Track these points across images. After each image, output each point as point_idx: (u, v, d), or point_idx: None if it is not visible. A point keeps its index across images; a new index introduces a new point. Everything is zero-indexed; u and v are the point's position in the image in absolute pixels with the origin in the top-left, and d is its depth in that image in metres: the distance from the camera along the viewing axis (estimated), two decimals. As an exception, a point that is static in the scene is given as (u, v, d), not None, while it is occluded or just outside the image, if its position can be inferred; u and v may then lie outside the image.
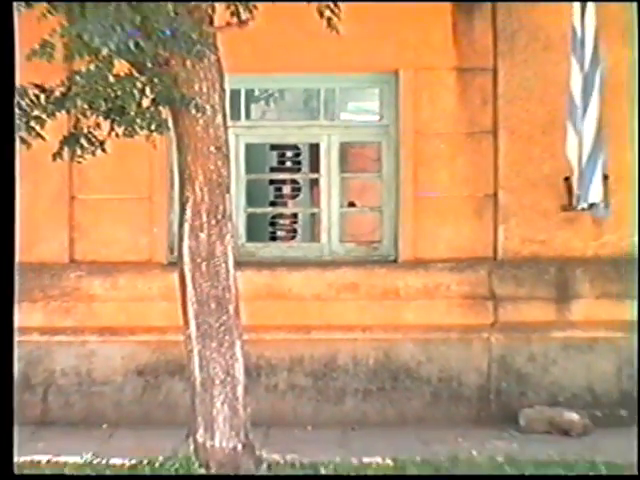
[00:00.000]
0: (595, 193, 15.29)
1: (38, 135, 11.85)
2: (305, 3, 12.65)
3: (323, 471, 13.12)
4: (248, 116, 16.41)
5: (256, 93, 16.34)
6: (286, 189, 17.07)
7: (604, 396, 16.02)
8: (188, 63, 12.02)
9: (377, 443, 14.40)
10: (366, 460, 13.54)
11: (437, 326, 15.94)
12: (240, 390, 12.86)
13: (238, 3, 12.61)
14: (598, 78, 15.28)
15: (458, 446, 14.32)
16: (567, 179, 15.65)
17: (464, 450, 14.00)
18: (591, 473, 13.12)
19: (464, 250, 16.23)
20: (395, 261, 16.39)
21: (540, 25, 16.01)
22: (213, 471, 12.67)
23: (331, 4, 12.79)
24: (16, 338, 16.00)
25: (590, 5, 15.37)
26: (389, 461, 13.43)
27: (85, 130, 12.19)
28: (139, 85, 11.93)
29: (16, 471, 8.01)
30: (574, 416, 15.46)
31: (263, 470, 12.99)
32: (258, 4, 12.68)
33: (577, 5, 15.31)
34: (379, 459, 13.56)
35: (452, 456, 13.65)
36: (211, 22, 12.45)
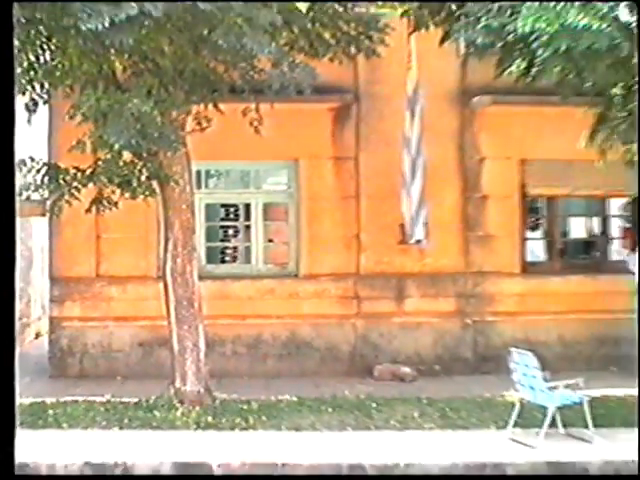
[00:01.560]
0: (419, 233, 15.43)
1: (76, 198, 12.47)
2: (239, 118, 12.93)
3: (255, 405, 13.22)
4: (207, 186, 16.63)
5: (211, 172, 16.51)
6: (230, 231, 17.40)
7: (426, 357, 16.22)
8: (169, 154, 12.55)
9: (287, 387, 14.45)
10: (280, 397, 13.78)
11: (323, 315, 16.24)
12: (202, 355, 13.32)
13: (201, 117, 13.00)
14: (421, 163, 15.38)
15: (337, 389, 14.39)
16: (402, 225, 15.70)
17: (340, 391, 14.20)
18: (429, 408, 13.20)
19: (340, 268, 16.33)
20: (297, 275, 16.59)
21: (384, 131, 16.05)
22: (185, 405, 12.94)
23: (254, 114, 13.00)
24: (52, 325, 16.10)
25: (417, 118, 15.46)
26: (295, 398, 13.70)
27: (105, 195, 12.88)
28: (138, 167, 12.61)
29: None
30: (407, 370, 15.67)
31: (217, 403, 13.26)
32: (214, 117, 13.01)
33: (408, 116, 15.42)
34: (288, 397, 13.79)
35: (332, 395, 13.95)
36: (183, 128, 12.70)
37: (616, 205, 18.30)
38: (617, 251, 18.16)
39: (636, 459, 9.83)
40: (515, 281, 16.91)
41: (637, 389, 11.88)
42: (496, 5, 11.43)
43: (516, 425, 11.93)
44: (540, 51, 11.21)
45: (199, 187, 15.81)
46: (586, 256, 18.29)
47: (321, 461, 10.91)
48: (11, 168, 5.73)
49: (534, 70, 12.39)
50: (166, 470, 10.32)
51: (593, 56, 11.22)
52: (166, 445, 11.01)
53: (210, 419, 12.64)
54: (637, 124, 13.62)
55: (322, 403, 13.52)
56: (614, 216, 18.28)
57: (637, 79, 12.64)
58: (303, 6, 12.90)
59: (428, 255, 16.46)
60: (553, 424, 11.69)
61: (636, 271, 16.10)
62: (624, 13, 10.86)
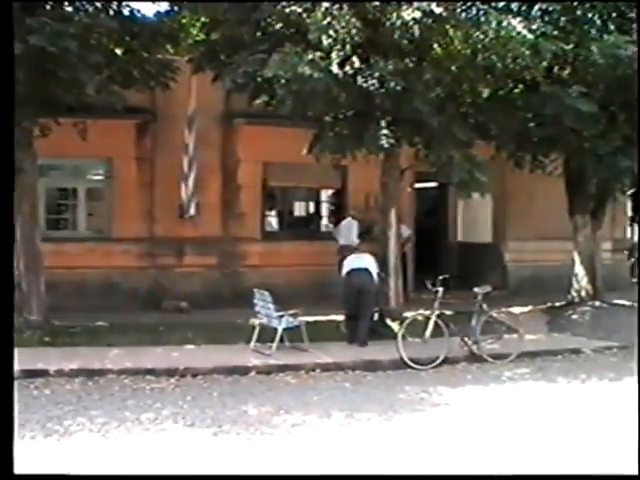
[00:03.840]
0: (193, 211, 16.46)
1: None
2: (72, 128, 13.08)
3: (79, 329, 13.32)
4: (48, 175, 16.18)
5: (51, 165, 16.19)
6: (63, 207, 17.30)
7: (198, 296, 16.41)
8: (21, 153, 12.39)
9: (103, 317, 14.46)
10: (98, 324, 14.00)
11: (128, 267, 16.51)
12: (43, 294, 13.56)
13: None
14: (195, 163, 16.34)
15: (137, 317, 14.78)
16: (181, 205, 16.45)
17: (139, 319, 14.59)
18: (199, 330, 13.55)
19: (140, 234, 16.71)
20: (110, 239, 16.73)
21: (172, 140, 16.43)
22: (31, 330, 12.77)
23: (82, 126, 13.33)
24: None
25: (193, 131, 16.26)
26: (108, 324, 14.03)
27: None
28: None
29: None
30: (185, 304, 16.30)
31: (53, 328, 13.21)
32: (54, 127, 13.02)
33: (187, 130, 16.24)
34: (103, 323, 14.10)
35: (135, 322, 14.23)
36: (31, 134, 12.96)
37: (326, 194, 19.52)
38: (325, 225, 19.33)
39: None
40: (258, 244, 17.80)
41: (637, 382, 10.79)
42: (251, 58, 12.26)
43: (257, 341, 12.57)
44: (279, 90, 12.17)
45: (42, 175, 15.10)
46: (305, 228, 18.99)
47: (125, 366, 11.14)
48: (11, 168, 6.30)
49: (275, 102, 13.45)
50: (16, 374, 8.75)
51: (313, 96, 12.08)
52: (16, 359, 10.53)
53: (48, 339, 12.70)
54: (638, 127, 14.29)
55: (127, 327, 13.63)
56: (324, 202, 19.53)
57: (637, 77, 13.30)
58: (119, 50, 13.55)
59: (199, 226, 16.93)
60: (282, 340, 12.46)
61: (338, 238, 17.43)
62: (335, 66, 11.89)
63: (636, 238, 24.29)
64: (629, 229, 25.75)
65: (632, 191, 21.02)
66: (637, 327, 13.59)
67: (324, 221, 19.52)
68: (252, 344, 12.63)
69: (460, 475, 7.19)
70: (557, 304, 17.45)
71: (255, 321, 13.12)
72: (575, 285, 17.47)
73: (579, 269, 17.44)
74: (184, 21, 15.42)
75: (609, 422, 9.14)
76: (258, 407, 9.50)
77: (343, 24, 11.69)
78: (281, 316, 12.55)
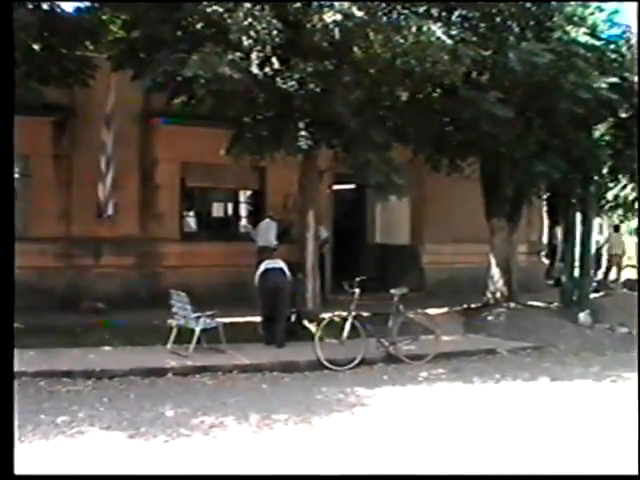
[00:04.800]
0: (110, 210, 16.27)
1: None
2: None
3: None
4: None
5: None
6: None
7: (115, 297, 16.18)
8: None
9: (19, 319, 13.28)
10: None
11: (45, 267, 16.06)
12: None
13: None
14: (113, 162, 16.14)
15: (54, 319, 14.29)
16: (99, 204, 16.25)
17: (56, 321, 14.14)
18: (117, 331, 13.50)
19: (57, 233, 16.37)
20: (26, 238, 14.17)
21: (90, 138, 16.15)
22: None
23: None
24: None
25: (112, 130, 16.02)
26: (22, 326, 12.75)
27: None
28: None
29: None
30: (102, 305, 15.92)
31: None
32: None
33: (105, 129, 16.03)
34: (18, 325, 12.12)
35: (52, 323, 13.79)
36: None
37: (245, 195, 19.52)
38: (244, 226, 19.26)
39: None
40: (176, 245, 17.70)
41: (637, 380, 11.03)
42: (171, 57, 12.12)
43: (174, 342, 12.57)
44: (199, 90, 12.19)
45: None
46: (224, 229, 18.91)
47: (41, 369, 11.02)
48: (11, 167, 6.29)
49: (194, 102, 13.50)
50: None
51: (232, 96, 12.21)
52: None
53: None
54: (638, 129, 14.57)
55: (43, 329, 13.33)
56: (243, 202, 19.51)
57: (637, 78, 13.49)
58: (37, 46, 13.28)
59: (117, 226, 16.73)
60: (199, 342, 12.44)
61: (257, 239, 17.35)
62: (255, 67, 11.91)
63: (558, 241, 24.69)
64: (546, 232, 26.42)
65: (547, 195, 21.54)
66: (637, 327, 14.22)
67: (243, 222, 19.51)
68: (169, 345, 12.63)
69: (460, 475, 7.30)
70: (473, 306, 17.73)
71: (172, 322, 13.06)
72: (491, 287, 17.80)
73: (495, 271, 17.78)
74: (104, 18, 15.18)
75: (522, 420, 9.39)
76: (175, 409, 9.51)
77: (264, 25, 11.70)
78: (198, 317, 12.56)
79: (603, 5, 16.71)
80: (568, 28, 15.22)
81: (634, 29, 15.99)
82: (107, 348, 12.79)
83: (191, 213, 19.14)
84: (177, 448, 7.96)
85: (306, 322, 14.18)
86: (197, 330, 12.48)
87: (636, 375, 11.44)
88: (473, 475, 7.30)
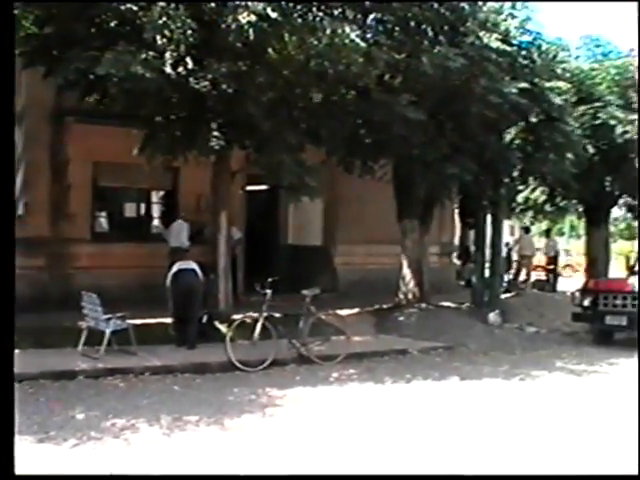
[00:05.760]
0: (21, 210, 15.83)
1: None
2: None
3: None
4: None
5: None
6: None
7: (24, 299, 15.73)
8: None
9: None
10: None
11: None
12: None
13: None
14: (23, 162, 15.81)
15: None
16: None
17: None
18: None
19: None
20: None
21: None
22: None
23: None
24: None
25: (23, 129, 15.67)
26: None
27: None
28: None
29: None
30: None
31: None
32: None
33: (17, 128, 14.97)
34: None
35: None
36: None
37: (157, 195, 19.50)
38: (156, 227, 19.21)
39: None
40: (88, 245, 17.48)
41: (637, 380, 10.92)
42: (84, 54, 11.99)
43: (85, 345, 12.53)
44: (111, 88, 12.16)
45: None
46: (136, 229, 18.73)
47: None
48: (11, 167, 6.31)
49: (106, 101, 13.35)
50: None
51: (145, 95, 12.14)
52: None
53: None
54: (638, 131, 14.49)
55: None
56: (155, 203, 19.50)
57: (637, 81, 13.64)
58: None
59: (27, 226, 15.90)
60: (110, 344, 12.41)
61: (169, 240, 17.41)
62: (168, 67, 11.80)
63: (470, 242, 25.10)
64: (458, 234, 26.92)
65: (459, 197, 21.94)
66: (637, 328, 14.34)
67: (155, 222, 19.48)
68: (80, 348, 12.56)
69: (460, 475, 7.32)
70: (385, 306, 17.96)
71: (83, 324, 12.98)
72: (403, 288, 18.09)
73: (407, 272, 18.08)
74: (16, 12, 14.83)
75: (431, 419, 9.56)
76: (86, 412, 9.42)
77: (178, 24, 11.65)
78: (109, 319, 12.53)
79: (515, 12, 16.97)
80: (481, 33, 15.44)
81: (634, 29, 16.79)
82: (16, 351, 12.09)
83: (103, 213, 19.00)
84: (87, 451, 7.87)
85: (218, 323, 14.16)
86: (107, 332, 12.43)
87: (545, 372, 12.12)
88: (471, 475, 7.35)
